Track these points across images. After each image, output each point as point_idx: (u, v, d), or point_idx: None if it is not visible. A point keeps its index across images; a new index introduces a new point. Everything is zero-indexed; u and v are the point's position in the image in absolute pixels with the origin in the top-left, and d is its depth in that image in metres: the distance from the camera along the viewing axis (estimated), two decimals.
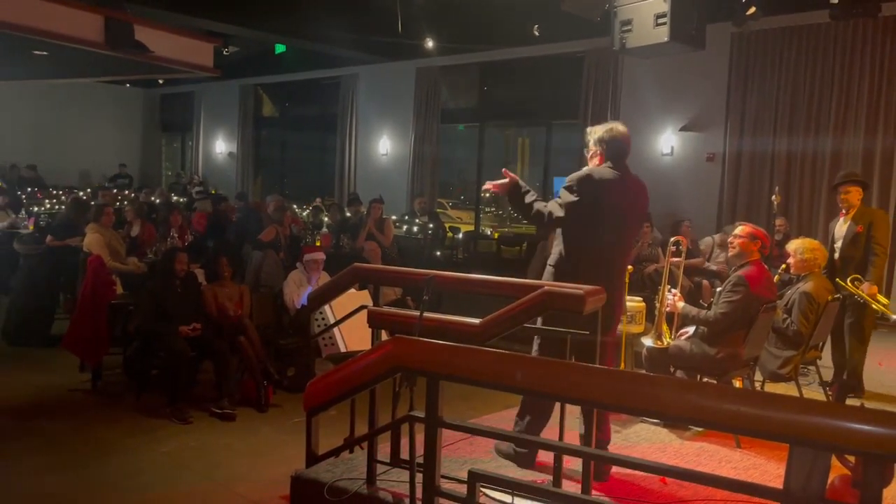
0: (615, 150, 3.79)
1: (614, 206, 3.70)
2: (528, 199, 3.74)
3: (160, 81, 17.42)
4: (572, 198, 3.63)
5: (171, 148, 20.36)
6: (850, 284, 5.61)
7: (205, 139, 17.95)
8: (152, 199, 12.98)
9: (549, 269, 3.82)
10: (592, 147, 3.86)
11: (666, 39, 6.61)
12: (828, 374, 5.68)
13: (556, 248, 3.83)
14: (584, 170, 3.77)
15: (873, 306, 5.54)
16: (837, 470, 2.25)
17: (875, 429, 1.80)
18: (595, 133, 3.86)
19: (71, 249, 7.75)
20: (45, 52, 9.30)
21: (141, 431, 5.18)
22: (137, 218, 9.39)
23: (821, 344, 5.49)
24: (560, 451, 3.12)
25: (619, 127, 3.83)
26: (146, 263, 7.85)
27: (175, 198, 14.13)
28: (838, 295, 5.45)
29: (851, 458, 2.41)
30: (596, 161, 3.82)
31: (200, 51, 9.90)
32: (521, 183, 3.78)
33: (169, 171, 19.80)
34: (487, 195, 4.35)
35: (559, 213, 3.65)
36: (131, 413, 5.56)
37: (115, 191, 14.22)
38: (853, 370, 5.73)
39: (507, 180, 3.75)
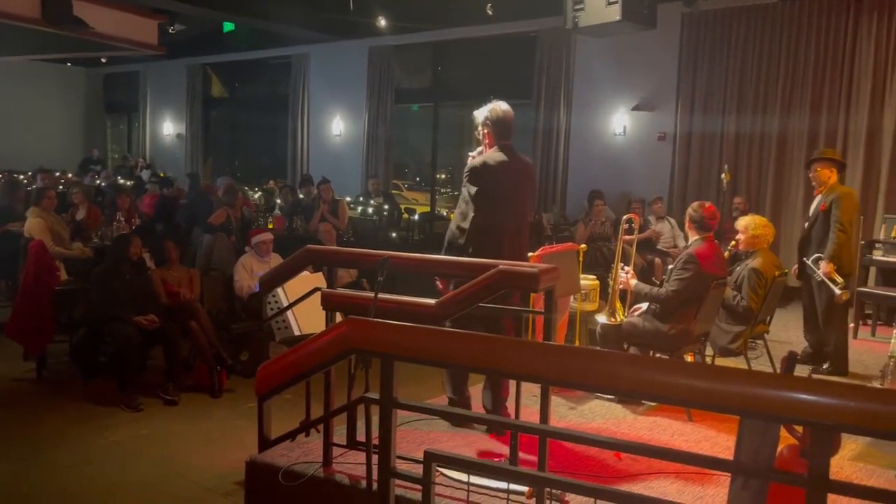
0: (501, 127, 4.11)
1: (506, 186, 4.02)
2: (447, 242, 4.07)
3: (103, 60, 16.82)
4: (474, 189, 3.95)
5: (116, 129, 19.72)
6: (809, 264, 5.64)
7: (152, 120, 17.43)
8: (97, 181, 12.60)
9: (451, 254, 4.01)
10: (481, 128, 4.16)
11: (618, 18, 6.66)
12: (775, 348, 5.78)
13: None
14: (479, 159, 4.06)
15: (829, 286, 5.44)
16: (786, 440, 2.30)
17: (822, 399, 1.83)
18: (480, 115, 4.16)
19: (10, 235, 7.46)
20: None
21: (90, 420, 5.06)
22: (84, 201, 9.08)
23: (768, 318, 5.62)
24: (516, 429, 3.14)
25: (500, 105, 4.15)
26: (92, 248, 7.61)
27: (122, 181, 13.72)
28: (785, 271, 5.57)
29: (799, 429, 2.47)
30: (487, 141, 4.14)
31: (144, 28, 9.63)
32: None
33: (115, 153, 19.20)
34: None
35: (470, 210, 3.93)
36: (79, 402, 5.42)
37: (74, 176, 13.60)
38: (836, 350, 5.66)
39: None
